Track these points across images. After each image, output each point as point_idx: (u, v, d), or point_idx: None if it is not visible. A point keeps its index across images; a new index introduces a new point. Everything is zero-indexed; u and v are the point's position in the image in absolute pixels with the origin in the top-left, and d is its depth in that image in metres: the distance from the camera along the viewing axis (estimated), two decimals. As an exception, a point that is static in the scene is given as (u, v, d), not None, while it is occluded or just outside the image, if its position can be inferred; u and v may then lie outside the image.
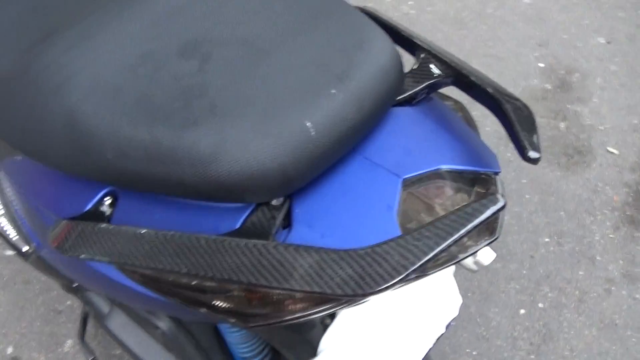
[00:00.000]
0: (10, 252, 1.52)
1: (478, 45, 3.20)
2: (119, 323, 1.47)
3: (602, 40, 3.25)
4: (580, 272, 2.38)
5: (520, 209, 2.56)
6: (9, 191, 1.29)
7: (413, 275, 0.74)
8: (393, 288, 0.72)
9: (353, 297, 0.72)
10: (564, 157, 2.73)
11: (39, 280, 2.33)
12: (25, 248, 1.34)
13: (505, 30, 3.28)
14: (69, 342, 2.20)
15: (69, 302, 2.28)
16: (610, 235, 2.49)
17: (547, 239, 2.47)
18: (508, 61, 3.12)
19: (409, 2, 3.42)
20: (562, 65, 3.11)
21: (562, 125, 2.85)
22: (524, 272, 2.38)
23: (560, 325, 2.24)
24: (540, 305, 2.29)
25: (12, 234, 1.37)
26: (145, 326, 1.40)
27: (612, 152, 2.76)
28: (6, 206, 1.38)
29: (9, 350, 2.17)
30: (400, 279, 0.70)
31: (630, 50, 3.21)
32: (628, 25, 3.35)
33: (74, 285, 1.52)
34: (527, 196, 2.60)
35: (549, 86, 3.01)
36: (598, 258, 2.42)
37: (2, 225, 1.39)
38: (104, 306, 1.51)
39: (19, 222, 1.31)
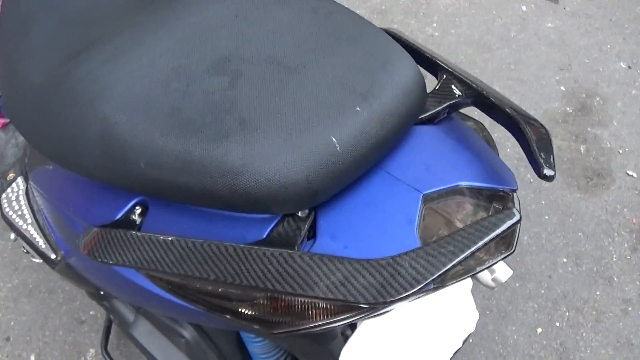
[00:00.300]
0: (37, 260, 1.53)
1: (501, 68, 3.21)
2: (144, 331, 1.49)
3: (623, 65, 3.25)
4: (598, 292, 2.39)
5: (539, 229, 2.56)
6: (39, 200, 1.32)
7: (432, 286, 0.76)
8: (413, 297, 0.75)
9: (374, 305, 0.74)
10: (583, 179, 2.74)
11: (63, 289, 2.35)
12: (53, 256, 1.37)
13: (528, 53, 3.29)
14: (92, 351, 2.21)
15: (92, 312, 2.30)
16: (628, 257, 2.50)
17: (565, 259, 2.48)
18: (530, 84, 3.13)
19: (434, 25, 3.44)
20: (583, 89, 3.12)
21: (582, 148, 2.85)
22: (542, 291, 2.38)
23: (577, 344, 2.24)
24: (557, 324, 2.30)
25: (40, 242, 1.39)
26: (169, 335, 1.42)
27: (631, 175, 2.76)
28: (35, 215, 1.40)
29: (32, 358, 2.19)
30: (420, 289, 0.72)
31: (651, 75, 3.22)
32: (649, 50, 3.36)
33: (101, 293, 1.54)
34: (546, 217, 2.60)
35: (569, 109, 3.02)
36: (615, 279, 2.43)
37: (31, 233, 1.41)
38: (129, 315, 1.53)
39: (48, 230, 1.33)
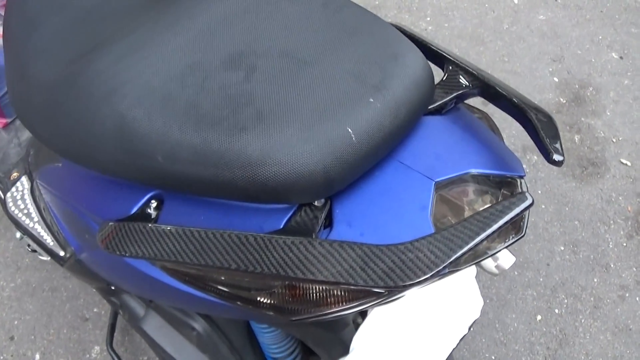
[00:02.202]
0: (45, 258, 1.54)
1: (495, 61, 3.23)
2: (154, 325, 1.50)
3: (615, 55, 3.28)
4: (595, 279, 2.42)
5: (536, 218, 2.59)
6: (46, 198, 1.33)
7: (449, 269, 0.78)
8: (431, 280, 0.77)
9: (394, 289, 0.76)
10: (578, 168, 2.76)
11: (66, 287, 2.37)
12: (62, 253, 1.38)
13: (521, 45, 3.32)
14: (96, 348, 2.23)
15: (95, 310, 2.32)
16: (624, 244, 2.53)
17: (562, 248, 2.51)
18: (524, 76, 3.15)
19: (427, 19, 3.46)
20: (576, 80, 3.14)
21: (577, 137, 2.88)
22: (541, 279, 2.41)
23: (576, 331, 2.27)
24: (556, 311, 2.33)
25: (48, 239, 1.40)
26: (180, 328, 1.43)
27: (625, 164, 2.79)
28: (41, 213, 1.41)
29: (37, 357, 2.20)
30: (438, 271, 0.74)
31: (643, 65, 3.25)
32: (640, 40, 3.39)
33: (112, 288, 1.55)
34: (542, 206, 2.63)
35: (563, 100, 3.04)
36: (612, 265, 2.46)
37: (38, 231, 1.43)
38: (139, 309, 1.54)
39: (56, 227, 1.34)
